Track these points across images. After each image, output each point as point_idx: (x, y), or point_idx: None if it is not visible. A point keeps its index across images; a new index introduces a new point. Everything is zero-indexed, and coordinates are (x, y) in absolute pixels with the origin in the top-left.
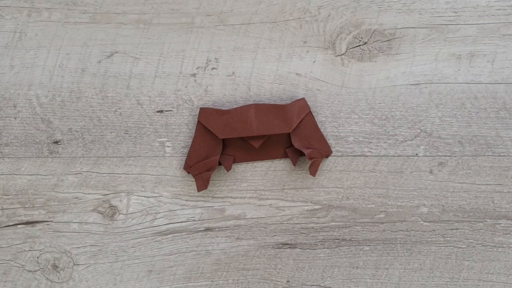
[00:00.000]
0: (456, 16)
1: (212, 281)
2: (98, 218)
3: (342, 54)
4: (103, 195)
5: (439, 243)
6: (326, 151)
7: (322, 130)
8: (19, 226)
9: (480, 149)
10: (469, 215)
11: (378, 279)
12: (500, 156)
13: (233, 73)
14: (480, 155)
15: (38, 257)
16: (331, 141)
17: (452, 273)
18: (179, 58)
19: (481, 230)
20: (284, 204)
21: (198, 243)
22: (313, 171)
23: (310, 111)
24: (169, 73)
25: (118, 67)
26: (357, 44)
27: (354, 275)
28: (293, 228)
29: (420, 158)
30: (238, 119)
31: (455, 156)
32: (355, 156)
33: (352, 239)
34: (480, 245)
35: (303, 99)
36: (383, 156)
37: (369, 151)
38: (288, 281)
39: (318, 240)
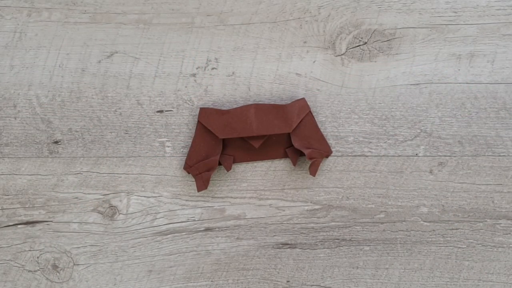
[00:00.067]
0: (456, 16)
1: (212, 281)
2: (98, 218)
3: (342, 54)
4: (103, 195)
5: (439, 243)
6: (326, 151)
7: (322, 130)
8: (19, 226)
9: (480, 149)
10: (469, 215)
11: (378, 279)
12: (500, 156)
13: (233, 73)
14: (480, 155)
15: (38, 257)
16: (331, 141)
17: (452, 273)
18: (179, 58)
19: (481, 230)
20: (284, 204)
21: (198, 243)
22: (313, 171)
23: (310, 111)
24: (169, 73)
25: (118, 67)
26: (357, 44)
27: (354, 275)
28: (293, 228)
29: (420, 158)
30: (238, 119)
31: (455, 156)
32: (355, 156)
33: (352, 239)
34: (480, 245)
35: (303, 99)
36: (383, 156)
37: (369, 151)
38: (288, 281)
39: (318, 240)
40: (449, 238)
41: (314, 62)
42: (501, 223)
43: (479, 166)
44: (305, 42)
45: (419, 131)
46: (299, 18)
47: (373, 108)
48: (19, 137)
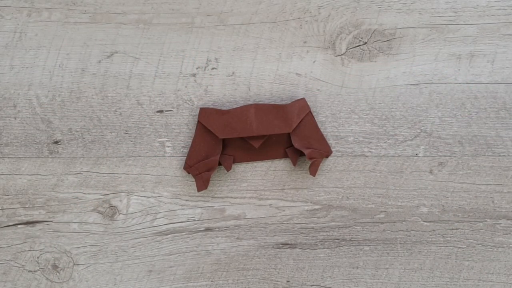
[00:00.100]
0: (456, 16)
1: (212, 281)
2: (98, 218)
3: (342, 54)
4: (103, 195)
5: (439, 243)
6: (326, 151)
7: (322, 130)
8: (19, 226)
9: (480, 149)
10: (469, 215)
11: (378, 279)
12: (500, 156)
13: (233, 73)
14: (480, 155)
15: (38, 257)
16: (331, 141)
17: (452, 273)
18: (179, 58)
19: (481, 230)
20: (284, 204)
21: (198, 243)
22: (313, 171)
23: (310, 111)
24: (169, 73)
25: (118, 67)
26: (357, 44)
27: (354, 275)
28: (293, 228)
29: (420, 158)
30: (238, 119)
31: (455, 156)
32: (355, 156)
33: (352, 239)
34: (480, 245)
35: (303, 99)
36: (383, 156)
37: (369, 151)
38: (288, 281)
39: (318, 240)
40: (449, 238)
41: (314, 62)
42: (501, 223)
43: (479, 166)
44: (305, 42)
45: (419, 131)
46: (299, 18)
47: (373, 108)
48: (19, 137)
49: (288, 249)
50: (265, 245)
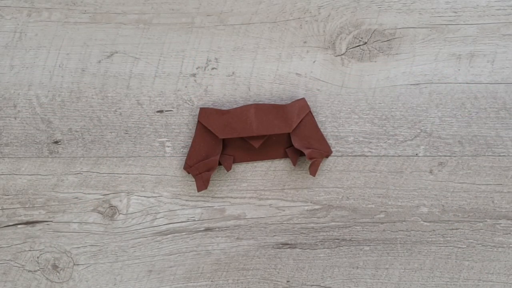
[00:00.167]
0: (456, 16)
1: (212, 281)
2: (98, 218)
3: (342, 54)
4: (103, 195)
5: (439, 243)
6: (326, 151)
7: (322, 130)
8: (19, 226)
9: (480, 149)
10: (469, 215)
11: (378, 279)
12: (500, 156)
13: (233, 73)
14: (480, 155)
15: (38, 257)
16: (331, 141)
17: (452, 273)
18: (179, 58)
19: (481, 230)
20: (284, 204)
21: (198, 243)
22: (313, 171)
23: (310, 111)
24: (169, 73)
25: (118, 67)
26: (357, 44)
27: (354, 275)
28: (293, 228)
29: (420, 158)
30: (238, 119)
31: (455, 156)
32: (355, 156)
33: (352, 239)
34: (480, 245)
35: (303, 99)
36: (383, 156)
37: (369, 151)
38: (288, 281)
39: (318, 240)
40: (449, 238)
41: (314, 62)
42: (501, 223)
43: (479, 166)
44: (305, 42)
45: (419, 131)
46: (299, 18)
47: (373, 108)
48: (19, 137)
49: (288, 249)
50: (265, 245)
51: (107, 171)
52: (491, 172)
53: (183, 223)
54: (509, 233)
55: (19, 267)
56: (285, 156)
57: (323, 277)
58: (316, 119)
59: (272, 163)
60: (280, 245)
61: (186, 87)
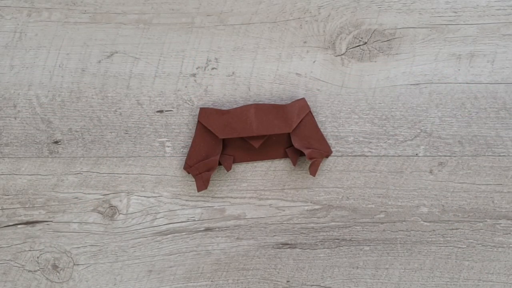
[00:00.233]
0: (456, 16)
1: (212, 281)
2: (98, 218)
3: (342, 54)
4: (103, 195)
5: (439, 243)
6: (326, 151)
7: (322, 130)
8: (19, 226)
9: (480, 149)
10: (469, 215)
11: (378, 279)
12: (500, 156)
13: (233, 73)
14: (480, 155)
15: (38, 257)
16: (331, 141)
17: (452, 273)
18: (179, 58)
19: (481, 230)
20: (284, 204)
21: (198, 243)
22: (313, 171)
23: (310, 111)
24: (169, 73)
25: (118, 67)
26: (357, 44)
27: (354, 275)
28: (293, 228)
29: (420, 158)
30: (238, 119)
31: (455, 156)
32: (355, 156)
33: (352, 239)
34: (480, 245)
35: (303, 99)
36: (383, 156)
37: (369, 151)
38: (288, 281)
39: (318, 240)
40: (449, 238)
41: (314, 62)
42: (501, 223)
43: (479, 166)
44: (305, 42)
45: (419, 131)
46: (299, 18)
47: (373, 108)
48: (19, 137)
49: (288, 249)
50: (265, 245)
51: (107, 171)
52: (491, 172)
53: (183, 223)
54: (509, 233)
55: (19, 267)
56: (285, 156)
57: (323, 277)
58: (316, 119)
59: (272, 163)
60: (280, 245)
61: (186, 87)
